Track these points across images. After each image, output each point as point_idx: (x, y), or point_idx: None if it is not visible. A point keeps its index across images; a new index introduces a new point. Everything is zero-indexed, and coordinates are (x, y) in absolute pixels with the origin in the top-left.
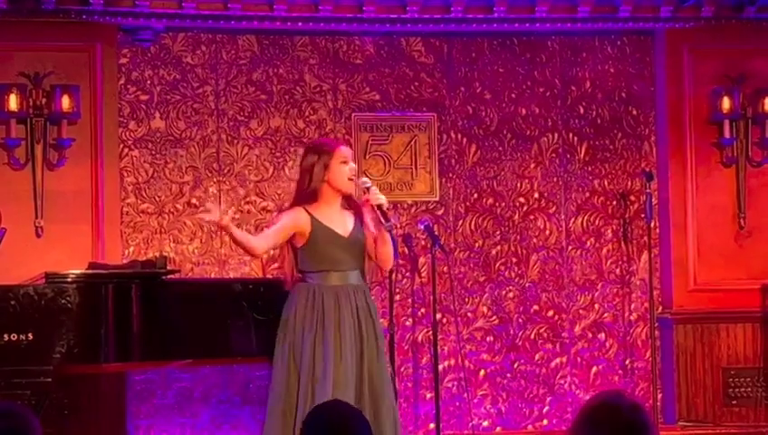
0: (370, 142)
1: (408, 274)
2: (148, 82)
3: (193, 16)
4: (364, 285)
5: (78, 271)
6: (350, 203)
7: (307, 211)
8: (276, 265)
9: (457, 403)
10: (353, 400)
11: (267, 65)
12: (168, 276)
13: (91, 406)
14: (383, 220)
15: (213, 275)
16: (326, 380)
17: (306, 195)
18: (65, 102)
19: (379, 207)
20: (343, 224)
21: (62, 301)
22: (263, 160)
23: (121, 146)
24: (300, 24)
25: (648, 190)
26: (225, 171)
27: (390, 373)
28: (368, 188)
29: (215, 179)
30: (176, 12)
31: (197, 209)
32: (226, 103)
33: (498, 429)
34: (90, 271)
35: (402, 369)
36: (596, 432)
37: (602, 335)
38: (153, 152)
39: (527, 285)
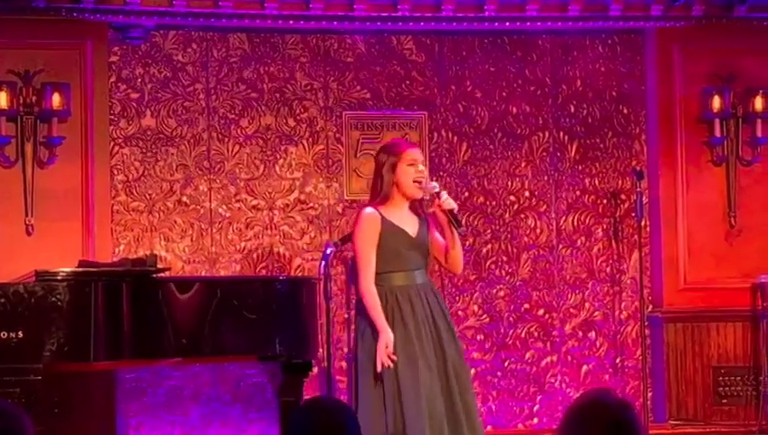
0: (361, 141)
1: None
2: (139, 79)
3: (184, 14)
4: (431, 283)
5: (68, 269)
6: (417, 209)
7: (378, 211)
8: (266, 263)
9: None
10: (440, 395)
11: (258, 63)
12: (159, 274)
13: (81, 404)
14: (455, 225)
15: (203, 274)
16: (415, 383)
17: (377, 194)
18: (56, 100)
19: (451, 211)
20: (411, 224)
21: (53, 299)
22: (253, 159)
23: (112, 144)
24: (291, 22)
25: (638, 189)
26: (216, 169)
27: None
28: (437, 193)
29: (205, 177)
30: (166, 10)
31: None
32: (217, 101)
33: (489, 427)
34: (80, 269)
35: None
36: (584, 430)
37: (593, 334)
38: (144, 150)
39: (518, 283)
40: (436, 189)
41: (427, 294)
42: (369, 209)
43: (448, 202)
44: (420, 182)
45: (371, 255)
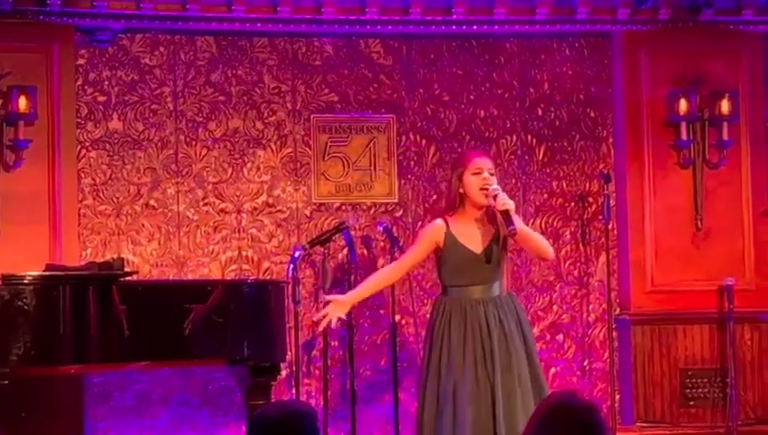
0: (329, 144)
1: (367, 275)
2: (106, 82)
3: (151, 17)
4: (496, 297)
5: (35, 273)
6: (492, 215)
7: (446, 224)
8: (234, 266)
9: (416, 405)
10: (481, 415)
11: (226, 66)
12: (126, 278)
13: (48, 408)
14: (506, 225)
15: (171, 277)
16: (446, 400)
17: (449, 205)
18: (22, 103)
19: (504, 212)
20: (480, 238)
21: (19, 303)
22: (221, 162)
23: (79, 147)
24: (258, 25)
25: (605, 192)
26: (184, 173)
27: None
28: (495, 195)
29: (173, 181)
30: (133, 13)
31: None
32: (185, 104)
33: None
34: (47, 273)
35: (361, 371)
36: (551, 433)
37: (560, 337)
38: (111, 153)
39: None
40: (496, 192)
41: (488, 308)
42: (438, 220)
43: (501, 203)
44: (487, 189)
45: (410, 252)
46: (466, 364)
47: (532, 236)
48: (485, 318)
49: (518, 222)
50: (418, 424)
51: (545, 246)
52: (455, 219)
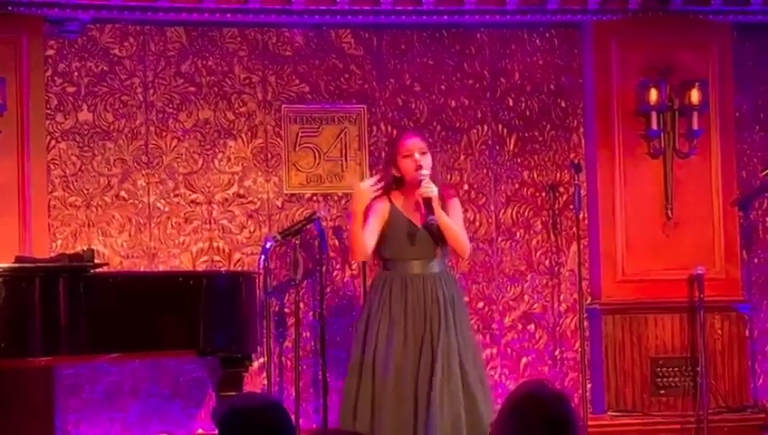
0: (300, 134)
1: (338, 266)
2: (76, 73)
3: (120, 7)
4: (436, 274)
5: (4, 265)
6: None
7: (389, 199)
8: (206, 257)
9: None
10: (411, 388)
11: (196, 57)
12: (96, 270)
13: (18, 401)
14: (427, 213)
15: (142, 269)
16: (387, 369)
17: (387, 188)
18: None
19: (426, 200)
20: (420, 213)
21: None
22: (192, 153)
23: (48, 138)
24: (228, 15)
25: (576, 182)
26: (154, 164)
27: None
28: (421, 181)
29: (143, 172)
30: (103, 3)
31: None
32: (155, 95)
33: None
34: (16, 265)
35: (332, 361)
36: (519, 423)
37: (532, 326)
38: (81, 145)
39: (457, 276)
40: (421, 177)
41: (427, 284)
42: (382, 199)
43: (424, 189)
44: (422, 168)
45: (373, 238)
46: (407, 339)
47: (452, 229)
48: (424, 293)
49: (441, 214)
50: (346, 393)
51: (463, 242)
52: (395, 195)
